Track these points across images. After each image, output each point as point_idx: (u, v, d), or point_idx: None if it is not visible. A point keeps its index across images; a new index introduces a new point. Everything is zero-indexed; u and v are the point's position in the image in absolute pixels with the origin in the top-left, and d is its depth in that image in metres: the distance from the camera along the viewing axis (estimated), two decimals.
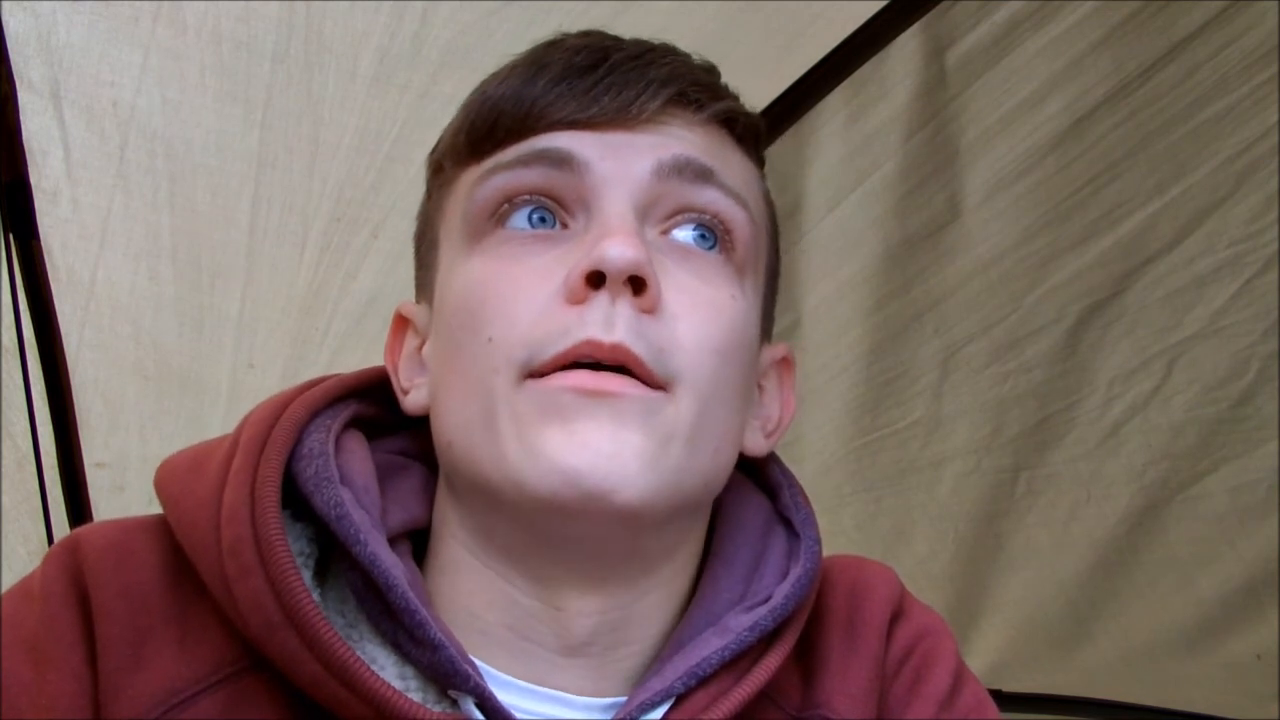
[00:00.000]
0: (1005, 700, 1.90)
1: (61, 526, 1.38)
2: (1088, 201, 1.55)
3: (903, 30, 1.48)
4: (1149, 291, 1.59)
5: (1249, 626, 1.77)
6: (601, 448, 0.58)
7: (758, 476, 0.74)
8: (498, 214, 0.64)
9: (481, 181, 0.65)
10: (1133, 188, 1.53)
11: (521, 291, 0.62)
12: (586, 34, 0.68)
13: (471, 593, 0.65)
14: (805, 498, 0.72)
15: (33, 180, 1.23)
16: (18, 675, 0.58)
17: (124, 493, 1.41)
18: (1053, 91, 1.49)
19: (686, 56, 0.69)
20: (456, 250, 0.66)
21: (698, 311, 0.63)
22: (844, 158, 1.58)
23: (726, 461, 0.66)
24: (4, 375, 1.31)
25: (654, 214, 0.64)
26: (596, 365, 0.59)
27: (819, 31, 1.47)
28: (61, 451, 1.36)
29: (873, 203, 1.59)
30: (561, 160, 0.63)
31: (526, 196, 0.64)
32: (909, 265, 1.63)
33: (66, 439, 1.35)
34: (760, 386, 0.72)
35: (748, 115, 0.70)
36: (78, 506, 1.38)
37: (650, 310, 0.61)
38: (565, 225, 0.64)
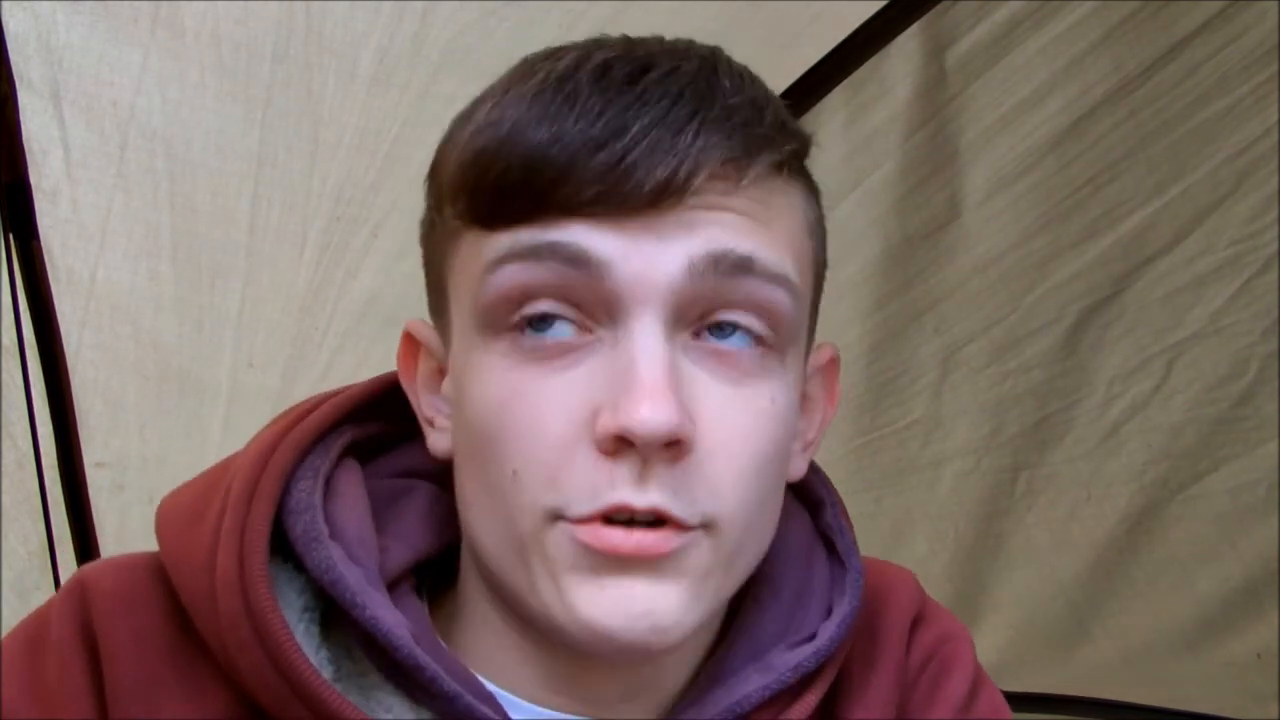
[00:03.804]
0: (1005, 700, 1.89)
1: (62, 526, 1.38)
2: (1088, 201, 1.55)
3: (903, 30, 1.48)
4: (1149, 291, 1.59)
5: (1249, 626, 1.77)
6: (636, 608, 0.56)
7: (797, 485, 0.71)
8: (513, 315, 0.58)
9: (492, 270, 0.58)
10: (1133, 187, 1.53)
11: (543, 423, 0.57)
12: (606, 70, 0.58)
13: (498, 648, 0.64)
14: (846, 515, 0.70)
15: (33, 180, 1.23)
16: None
17: (124, 492, 1.40)
18: (1053, 91, 1.49)
19: (725, 91, 0.58)
20: (469, 329, 0.60)
21: (734, 437, 0.58)
22: (844, 157, 1.58)
23: (766, 546, 0.63)
24: (4, 375, 1.31)
25: (687, 317, 0.58)
26: (630, 520, 0.57)
27: (819, 31, 1.46)
28: (61, 451, 1.35)
29: (872, 202, 1.59)
30: (579, 260, 0.56)
31: (544, 304, 0.57)
32: (909, 265, 1.63)
33: (66, 439, 1.35)
34: (804, 395, 0.67)
35: (793, 155, 0.61)
36: (78, 506, 1.38)
37: (683, 457, 0.56)
38: (589, 330, 0.57)
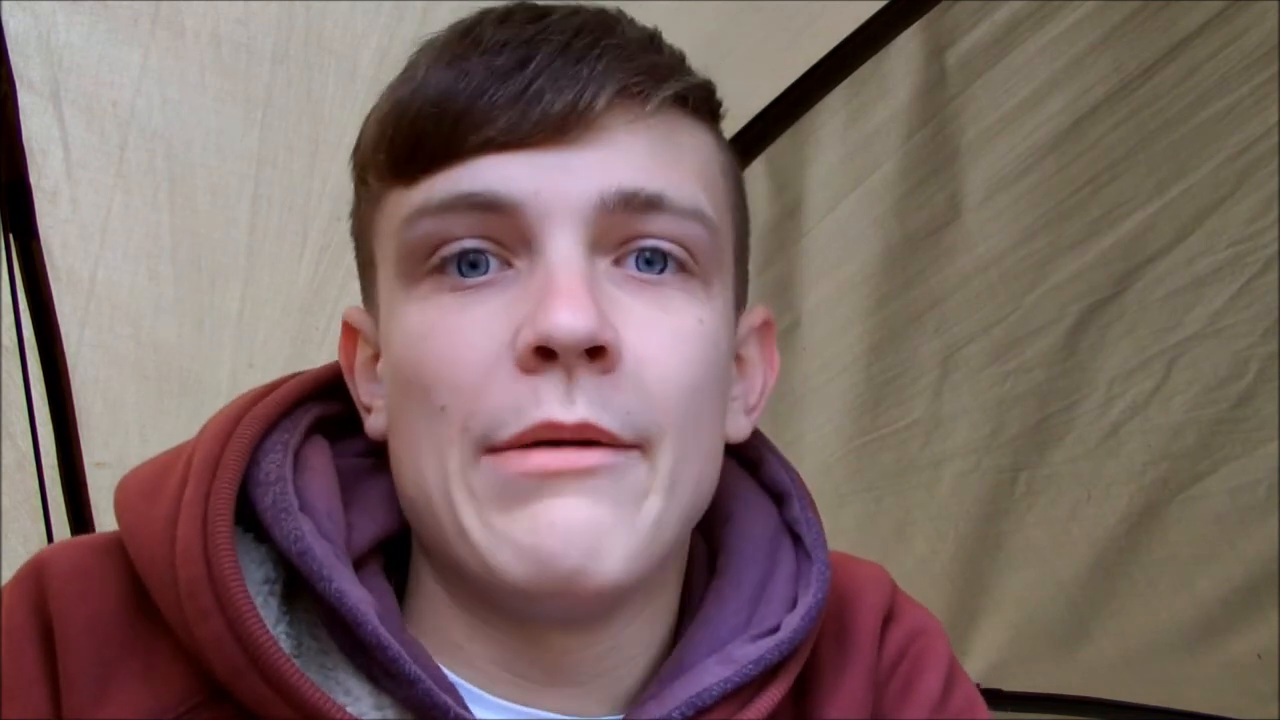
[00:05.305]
0: (1005, 700, 1.90)
1: (61, 526, 1.38)
2: (1088, 201, 1.55)
3: (903, 30, 1.49)
4: (1149, 291, 1.59)
5: (1249, 626, 1.77)
6: (572, 528, 0.55)
7: (758, 469, 0.70)
8: (433, 258, 0.59)
9: (409, 223, 0.59)
10: (1133, 188, 1.53)
11: (465, 351, 0.57)
12: (508, 15, 0.60)
13: (452, 625, 0.62)
14: (814, 508, 0.69)
15: (33, 180, 1.23)
16: None
17: None
18: (1053, 91, 1.49)
19: (623, 30, 0.60)
20: (394, 285, 0.61)
21: (664, 352, 0.58)
22: (844, 157, 1.58)
23: (710, 484, 0.63)
24: (4, 375, 1.30)
25: (603, 244, 0.58)
26: (558, 440, 0.56)
27: (819, 31, 1.47)
28: (61, 451, 1.35)
29: (873, 202, 1.59)
30: (490, 204, 0.57)
31: (465, 242, 0.58)
32: (909, 265, 1.63)
33: (66, 439, 1.35)
34: (740, 357, 0.67)
35: (697, 86, 0.63)
36: (78, 506, 1.38)
37: (611, 369, 0.56)
38: (509, 264, 0.58)
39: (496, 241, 0.58)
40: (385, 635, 0.57)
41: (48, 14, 1.17)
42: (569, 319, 0.54)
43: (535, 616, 0.60)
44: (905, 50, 1.50)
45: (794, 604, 0.65)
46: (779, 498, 0.70)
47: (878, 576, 0.71)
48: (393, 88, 0.62)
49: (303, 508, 0.59)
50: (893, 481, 1.77)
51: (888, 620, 0.69)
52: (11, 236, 1.25)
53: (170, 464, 0.61)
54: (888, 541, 1.80)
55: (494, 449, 0.56)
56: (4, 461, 1.33)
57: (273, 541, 0.59)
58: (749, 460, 0.71)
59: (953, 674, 0.70)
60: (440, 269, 0.59)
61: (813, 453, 1.74)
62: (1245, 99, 1.45)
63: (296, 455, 0.62)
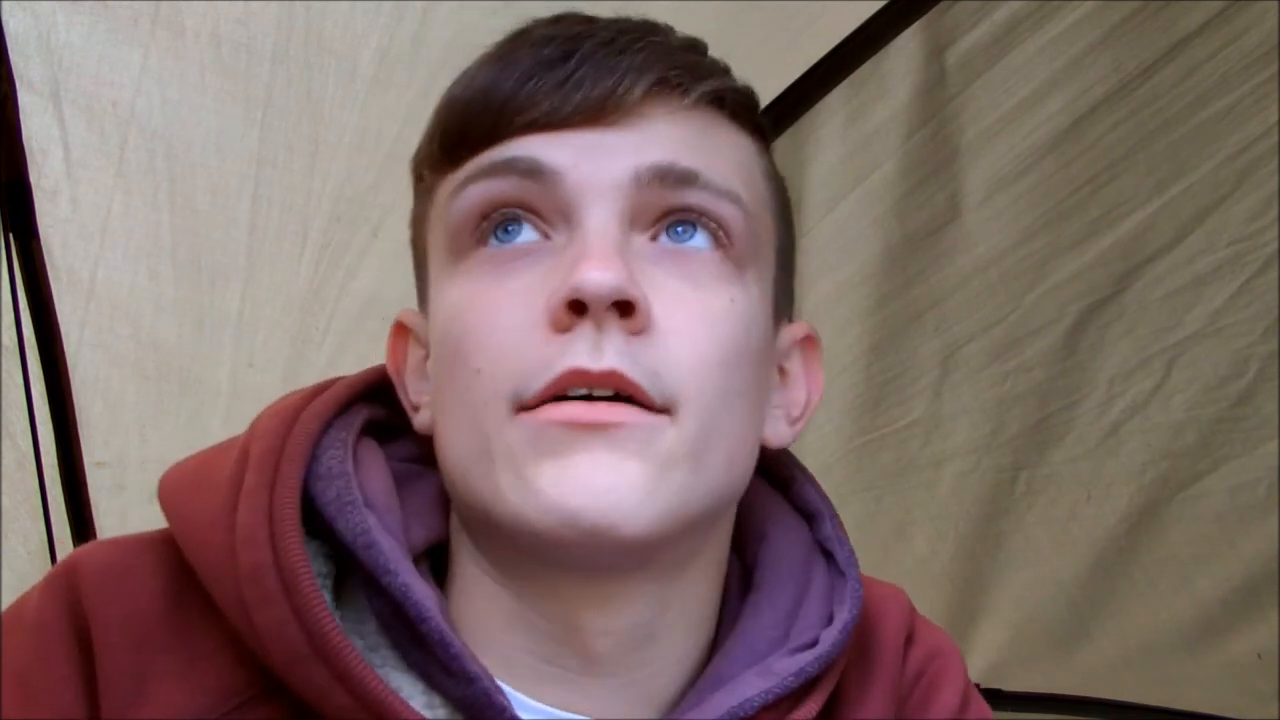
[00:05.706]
0: (1005, 700, 1.90)
1: (61, 526, 1.38)
2: (1088, 201, 1.55)
3: (903, 30, 1.49)
4: (1149, 291, 1.59)
5: (1249, 626, 1.77)
6: (598, 483, 0.56)
7: (788, 488, 0.72)
8: (477, 231, 0.61)
9: (456, 194, 0.61)
10: (1133, 187, 1.53)
11: (502, 317, 0.59)
12: (558, 19, 0.64)
13: (491, 614, 0.63)
14: (843, 527, 0.70)
15: (33, 180, 1.23)
16: (8, 710, 0.56)
17: (124, 492, 1.40)
18: (1052, 91, 1.49)
19: (667, 34, 0.64)
20: (441, 266, 0.63)
21: (693, 324, 0.59)
22: (844, 157, 1.58)
23: (742, 469, 0.64)
24: (4, 375, 1.31)
25: (639, 220, 0.61)
26: (589, 395, 0.57)
27: (819, 31, 1.47)
28: (61, 451, 1.35)
29: (872, 202, 1.60)
30: (532, 170, 0.60)
31: (503, 211, 0.61)
32: (909, 265, 1.63)
33: (66, 439, 1.35)
34: (782, 369, 0.69)
35: (737, 90, 0.65)
36: (78, 506, 1.38)
37: (641, 331, 0.58)
38: (547, 236, 0.61)
39: (535, 212, 0.61)
40: (448, 632, 0.57)
41: (48, 14, 1.17)
42: (598, 274, 0.56)
43: (564, 565, 0.60)
44: (905, 50, 1.51)
45: (829, 620, 0.66)
46: (810, 517, 0.71)
47: (899, 598, 0.72)
48: (449, 87, 0.65)
49: (365, 503, 0.60)
50: (893, 481, 1.77)
51: (908, 641, 0.71)
52: (11, 236, 1.25)
53: (212, 460, 0.61)
54: (888, 541, 1.80)
55: (526, 406, 0.58)
56: (4, 461, 1.33)
57: (334, 535, 0.59)
58: (780, 479, 0.72)
59: (968, 694, 0.71)
60: (482, 241, 0.61)
61: (813, 453, 1.74)
62: (1245, 99, 1.46)
63: (353, 454, 0.63)
